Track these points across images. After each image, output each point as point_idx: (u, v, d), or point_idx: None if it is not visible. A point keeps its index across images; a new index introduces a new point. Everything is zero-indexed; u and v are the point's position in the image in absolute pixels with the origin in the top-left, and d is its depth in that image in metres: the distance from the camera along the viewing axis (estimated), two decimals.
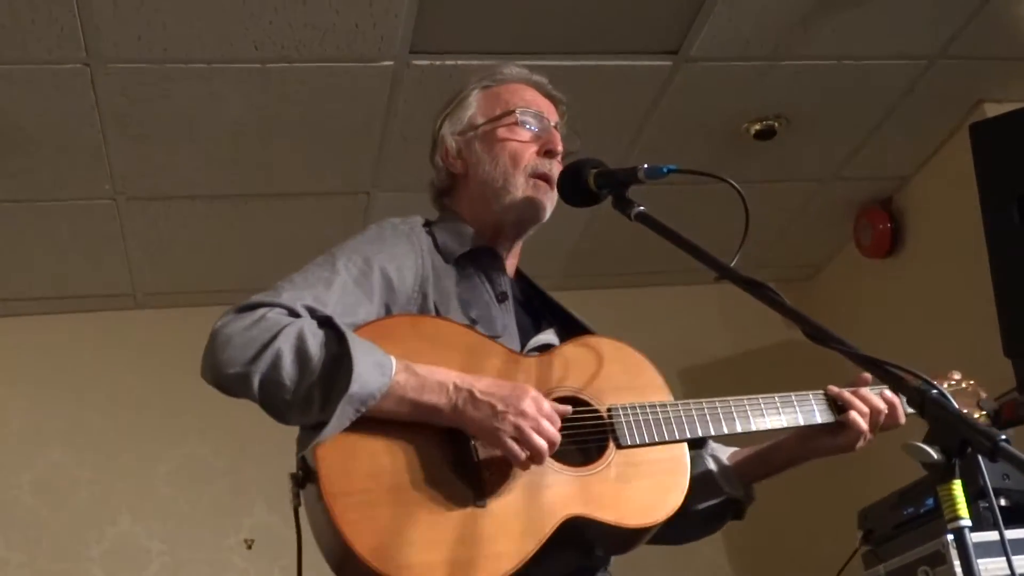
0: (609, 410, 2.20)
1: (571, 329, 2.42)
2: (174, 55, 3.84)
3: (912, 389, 1.71)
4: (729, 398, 2.31)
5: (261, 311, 2.12)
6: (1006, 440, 1.58)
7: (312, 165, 4.55)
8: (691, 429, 2.23)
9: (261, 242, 5.03)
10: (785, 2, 3.95)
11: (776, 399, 2.35)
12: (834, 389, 2.39)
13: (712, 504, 2.42)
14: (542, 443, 2.04)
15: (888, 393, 2.38)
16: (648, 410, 2.21)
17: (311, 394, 2.02)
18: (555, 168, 2.41)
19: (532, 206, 2.40)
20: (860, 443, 2.37)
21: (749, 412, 2.31)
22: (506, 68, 2.55)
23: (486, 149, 2.44)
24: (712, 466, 2.43)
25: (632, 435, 2.18)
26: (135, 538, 5.08)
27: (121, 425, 5.18)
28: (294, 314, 2.11)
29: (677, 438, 2.22)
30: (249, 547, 5.10)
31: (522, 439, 2.04)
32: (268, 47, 3.86)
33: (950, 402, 1.67)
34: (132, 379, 5.25)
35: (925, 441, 1.70)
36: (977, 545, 1.71)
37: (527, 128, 2.44)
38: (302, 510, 2.11)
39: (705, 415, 2.26)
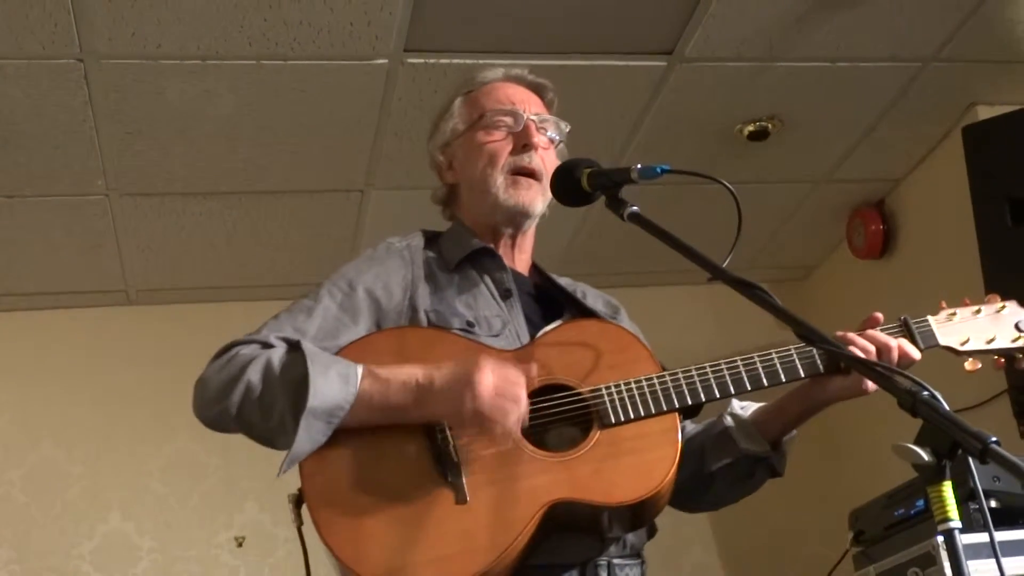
0: (593, 391, 2.20)
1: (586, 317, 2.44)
2: (168, 51, 3.84)
3: (903, 390, 1.71)
4: (721, 360, 2.26)
5: (234, 350, 2.24)
6: (996, 442, 1.58)
7: (306, 163, 4.55)
8: (679, 399, 2.21)
9: (254, 239, 5.03)
10: (779, 4, 3.95)
11: (773, 354, 2.27)
12: (840, 333, 2.26)
13: (728, 463, 2.38)
14: (506, 407, 2.08)
15: (901, 341, 2.27)
16: (633, 386, 2.20)
17: (284, 416, 2.11)
18: (536, 159, 2.45)
19: (516, 202, 2.43)
20: (871, 385, 2.23)
21: (743, 373, 2.25)
22: (484, 71, 2.59)
23: (467, 155, 2.50)
24: (730, 424, 2.38)
25: (617, 413, 2.18)
26: (125, 535, 5.08)
27: (112, 422, 5.18)
28: (267, 346, 2.22)
29: (664, 409, 2.20)
30: (239, 544, 5.09)
31: (486, 413, 2.07)
32: (262, 44, 3.86)
33: (941, 403, 1.67)
34: (124, 376, 5.25)
35: (916, 442, 1.70)
36: (967, 547, 1.71)
37: (501, 127, 2.47)
38: (307, 529, 2.17)
39: (695, 382, 2.22)
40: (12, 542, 4.98)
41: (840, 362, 2.26)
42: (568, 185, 2.30)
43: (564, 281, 2.58)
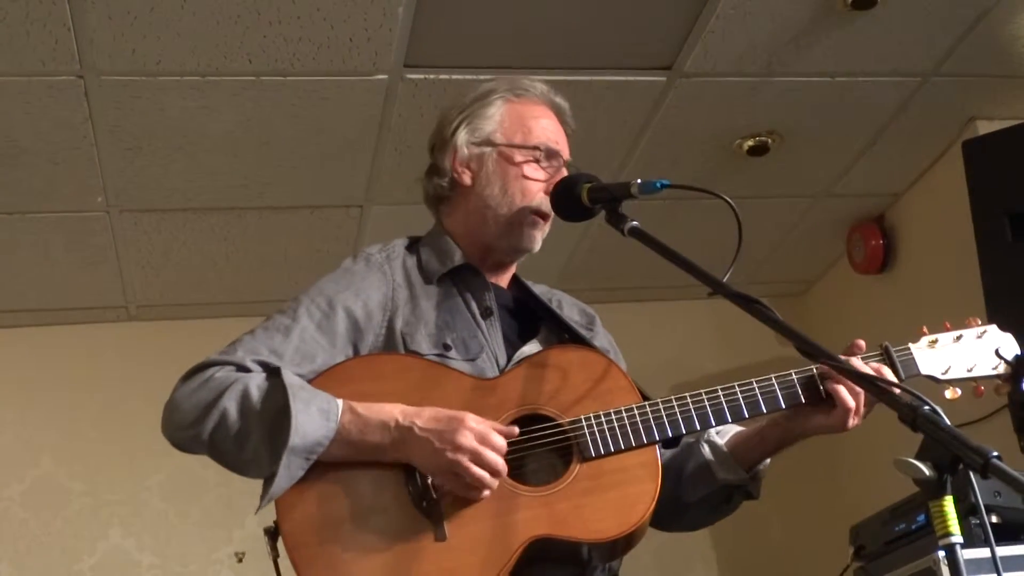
0: (573, 423, 2.18)
1: (567, 336, 2.43)
2: (168, 67, 3.84)
3: (904, 405, 1.71)
4: (702, 391, 2.25)
5: (210, 372, 2.18)
6: (998, 457, 1.58)
7: (306, 178, 4.55)
8: (659, 431, 2.20)
9: (254, 255, 5.03)
10: (779, 19, 3.96)
11: (754, 384, 2.26)
12: (823, 367, 2.24)
13: (708, 493, 2.37)
14: (482, 474, 2.07)
15: (875, 365, 2.27)
16: (614, 417, 2.19)
17: (259, 448, 2.09)
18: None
19: (528, 240, 2.42)
20: (852, 421, 2.24)
21: (724, 406, 2.24)
22: (529, 83, 2.51)
23: (499, 173, 2.43)
24: (707, 454, 2.37)
25: (597, 446, 2.16)
26: (126, 551, 5.07)
27: (113, 437, 5.17)
28: (244, 370, 2.17)
29: (644, 442, 2.18)
30: (240, 560, 5.08)
31: (463, 473, 2.06)
32: (262, 60, 3.86)
33: (942, 418, 1.67)
34: (124, 391, 5.24)
35: (917, 457, 1.70)
36: (968, 562, 1.71)
37: (545, 168, 2.42)
38: (283, 561, 2.16)
39: (676, 414, 2.21)
40: (12, 559, 4.97)
41: (821, 391, 2.26)
42: (568, 200, 2.30)
43: (539, 289, 2.55)
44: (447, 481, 2.09)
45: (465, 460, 2.05)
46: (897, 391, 1.84)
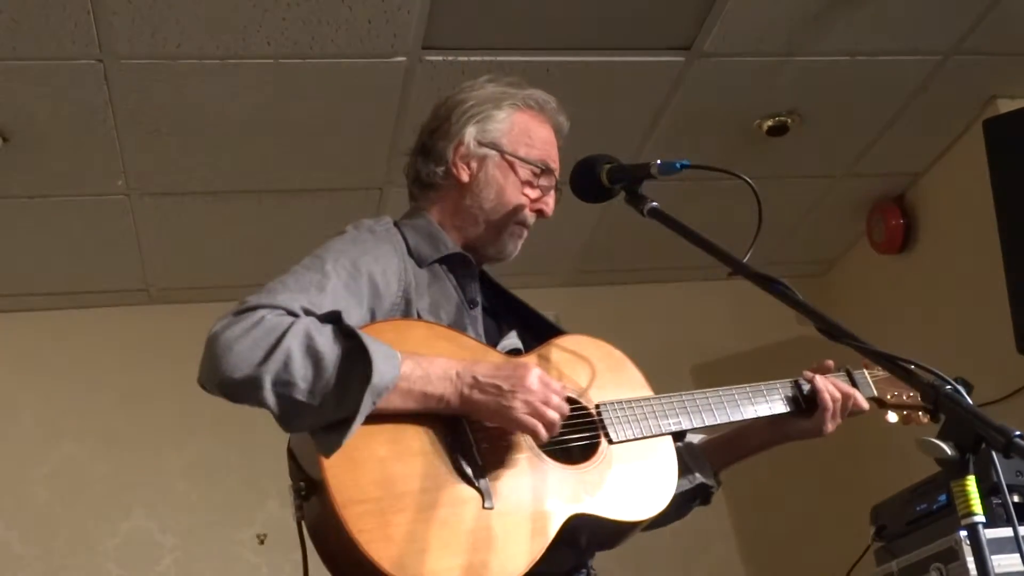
0: (598, 407, 2.24)
1: (533, 328, 2.46)
2: (187, 51, 3.85)
3: (926, 385, 1.71)
4: (707, 390, 2.38)
5: (261, 312, 2.07)
6: (1020, 436, 1.58)
7: (325, 161, 4.56)
8: (677, 422, 2.30)
9: (274, 238, 5.03)
10: None
11: (748, 389, 2.42)
12: (808, 374, 2.48)
13: (686, 489, 2.48)
14: (553, 415, 2.09)
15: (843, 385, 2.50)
16: (635, 405, 2.27)
17: (327, 391, 1.98)
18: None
19: (511, 247, 2.47)
20: (829, 427, 2.46)
21: (726, 403, 2.38)
22: (540, 96, 2.52)
23: (498, 179, 2.44)
24: (684, 453, 2.47)
25: (623, 431, 2.23)
26: (148, 532, 5.10)
27: (135, 420, 5.20)
28: (293, 315, 2.07)
29: (664, 431, 2.28)
30: (261, 542, 5.11)
31: (534, 413, 2.08)
32: (281, 43, 3.86)
33: (964, 398, 1.67)
34: (145, 374, 5.27)
35: (939, 437, 1.70)
36: (990, 541, 1.71)
37: (541, 183, 2.46)
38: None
39: (687, 408, 2.32)
40: (36, 540, 5.00)
41: (801, 403, 2.47)
42: (588, 181, 2.32)
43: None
44: (515, 423, 2.08)
45: (536, 400, 2.08)
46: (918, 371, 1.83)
